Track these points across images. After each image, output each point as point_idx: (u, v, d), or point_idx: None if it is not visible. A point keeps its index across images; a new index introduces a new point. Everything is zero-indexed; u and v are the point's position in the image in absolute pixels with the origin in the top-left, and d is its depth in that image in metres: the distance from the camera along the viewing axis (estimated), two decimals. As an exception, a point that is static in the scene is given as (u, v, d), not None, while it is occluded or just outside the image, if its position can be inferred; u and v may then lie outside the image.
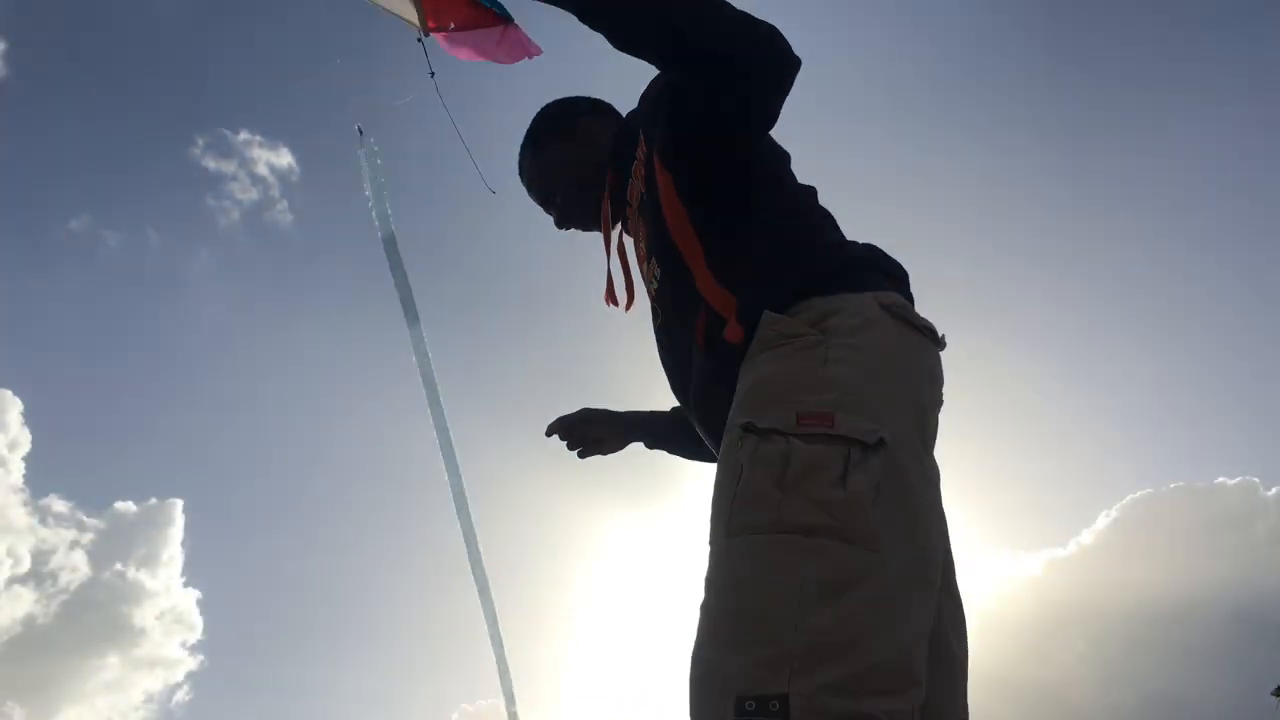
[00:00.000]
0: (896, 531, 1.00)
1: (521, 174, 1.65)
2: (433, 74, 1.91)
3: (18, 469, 22.68)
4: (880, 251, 1.33)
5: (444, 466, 1.84)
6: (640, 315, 1.54)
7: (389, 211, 1.80)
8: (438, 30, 2.11)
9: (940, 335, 1.23)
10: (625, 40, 1.28)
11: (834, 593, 0.94)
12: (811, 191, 1.41)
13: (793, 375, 1.11)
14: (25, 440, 22.75)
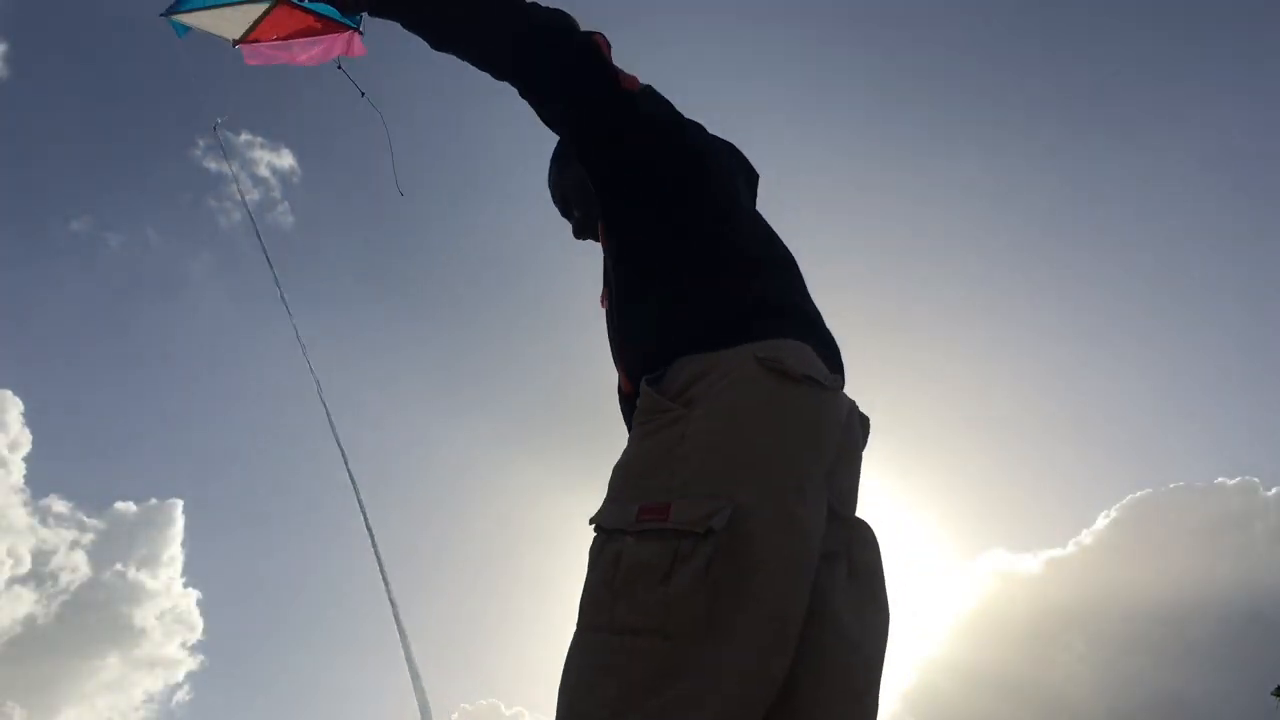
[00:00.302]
0: (737, 610, 1.03)
1: (549, 186, 1.72)
2: (363, 93, 2.18)
3: (18, 469, 22.66)
4: (783, 289, 1.37)
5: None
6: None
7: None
8: (245, 43, 2.37)
9: (829, 379, 1.25)
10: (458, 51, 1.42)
11: (651, 693, 1.00)
12: (728, 217, 1.42)
13: (648, 459, 1.17)
14: (26, 440, 22.74)
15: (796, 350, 1.25)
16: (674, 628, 1.02)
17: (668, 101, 1.48)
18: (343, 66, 2.34)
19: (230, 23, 2.21)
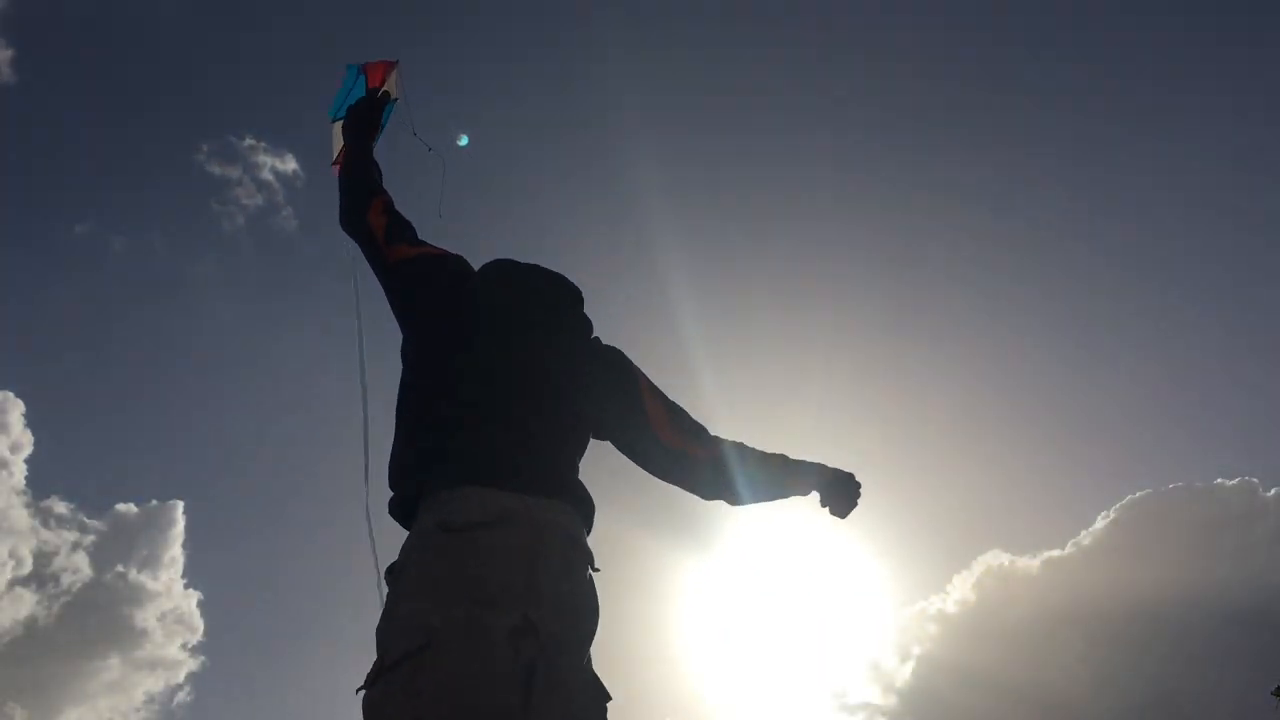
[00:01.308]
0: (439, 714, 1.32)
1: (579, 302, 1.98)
2: (430, 149, 2.36)
3: (20, 471, 22.65)
4: (490, 437, 1.62)
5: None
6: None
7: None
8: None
9: (505, 513, 1.50)
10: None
11: None
12: (459, 376, 1.71)
13: (385, 616, 1.47)
14: (28, 442, 22.73)
15: (472, 497, 1.51)
16: None
17: (437, 261, 1.85)
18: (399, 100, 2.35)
19: (337, 140, 2.33)
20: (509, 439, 1.62)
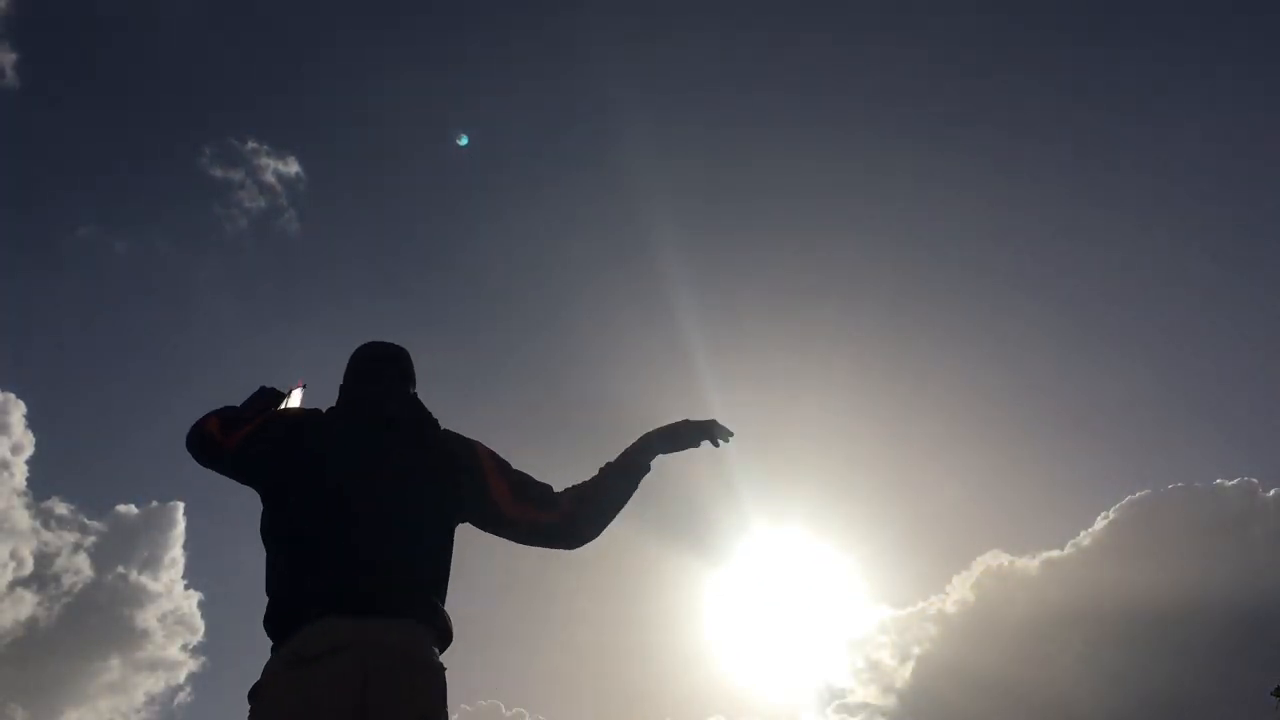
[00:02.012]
0: None
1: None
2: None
3: (21, 472, 22.63)
4: (318, 573, 1.87)
5: None
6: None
7: None
8: None
9: (340, 641, 1.75)
10: None
11: None
12: (290, 531, 1.96)
13: None
14: (29, 443, 22.72)
15: (311, 632, 1.76)
16: None
17: (265, 439, 2.08)
18: None
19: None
20: (344, 570, 1.84)
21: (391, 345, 2.28)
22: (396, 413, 2.14)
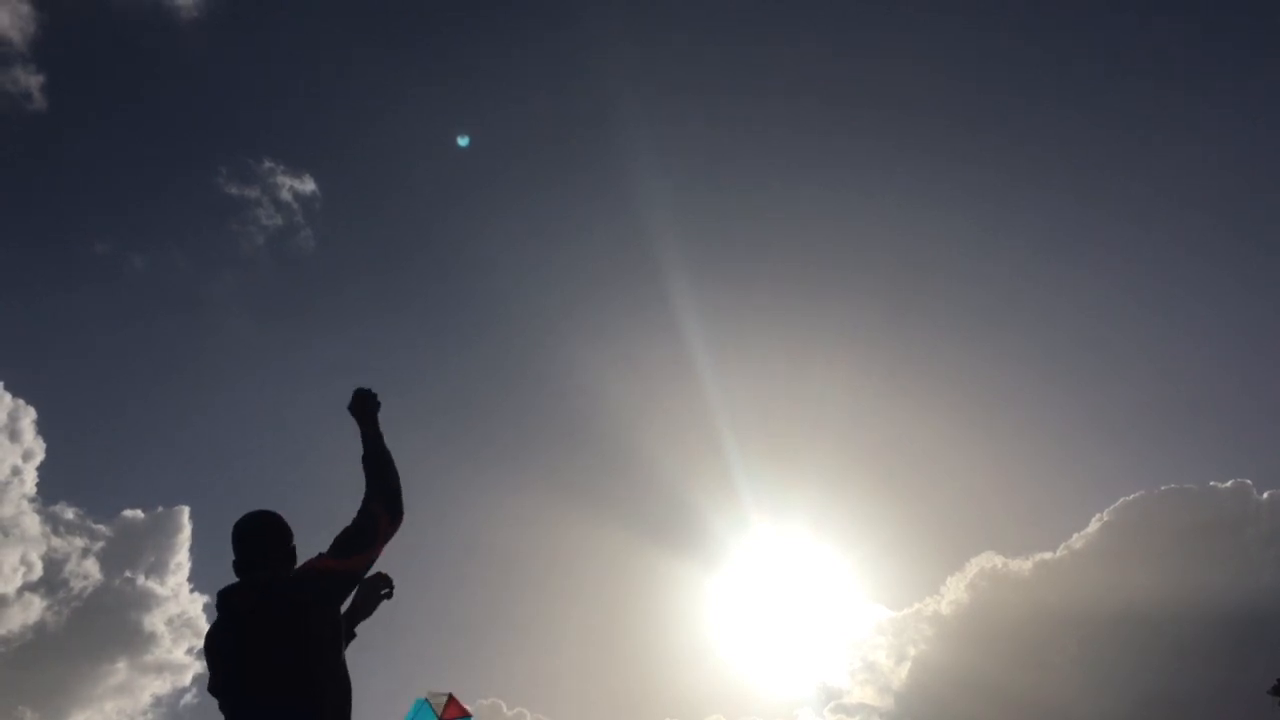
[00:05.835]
0: None
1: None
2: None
3: (31, 478, 22.65)
4: None
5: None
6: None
7: None
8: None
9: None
10: None
11: None
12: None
13: None
14: (39, 449, 22.74)
15: None
16: None
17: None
18: None
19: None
20: None
21: (243, 523, 2.90)
22: (253, 597, 2.72)
